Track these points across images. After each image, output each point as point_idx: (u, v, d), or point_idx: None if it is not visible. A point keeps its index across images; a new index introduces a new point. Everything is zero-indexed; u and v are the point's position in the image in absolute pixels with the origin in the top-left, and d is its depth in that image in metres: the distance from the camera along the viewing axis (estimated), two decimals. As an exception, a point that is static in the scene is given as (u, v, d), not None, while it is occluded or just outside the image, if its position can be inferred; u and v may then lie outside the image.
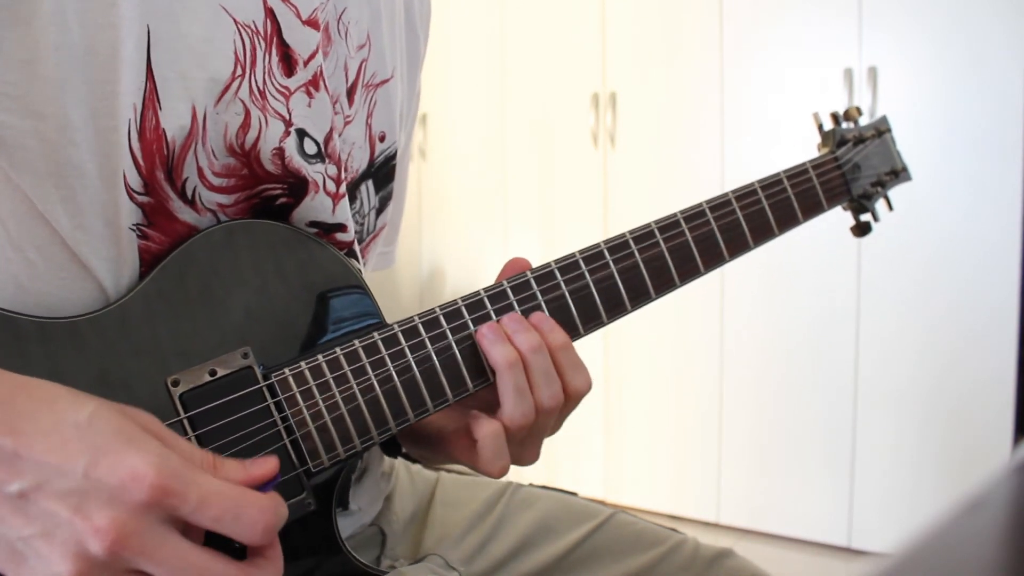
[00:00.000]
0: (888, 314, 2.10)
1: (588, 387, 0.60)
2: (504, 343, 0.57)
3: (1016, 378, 1.94)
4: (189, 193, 0.55)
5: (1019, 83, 1.90)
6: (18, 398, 0.43)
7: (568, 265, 0.62)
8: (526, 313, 0.60)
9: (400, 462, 0.79)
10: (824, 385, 2.18)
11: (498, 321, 0.59)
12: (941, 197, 2.00)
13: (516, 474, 0.68)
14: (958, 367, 2.02)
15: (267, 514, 0.45)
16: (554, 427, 0.62)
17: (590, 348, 2.39)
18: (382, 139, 0.68)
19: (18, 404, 0.43)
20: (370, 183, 0.68)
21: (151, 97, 0.52)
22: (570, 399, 0.60)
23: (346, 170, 0.65)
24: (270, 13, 0.56)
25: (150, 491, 0.41)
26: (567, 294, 0.61)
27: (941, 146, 1.99)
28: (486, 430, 0.57)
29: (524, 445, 0.60)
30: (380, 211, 0.70)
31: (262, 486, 0.47)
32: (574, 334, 0.61)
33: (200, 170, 0.55)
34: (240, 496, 0.44)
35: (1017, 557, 0.29)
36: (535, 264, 0.62)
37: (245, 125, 0.55)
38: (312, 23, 0.58)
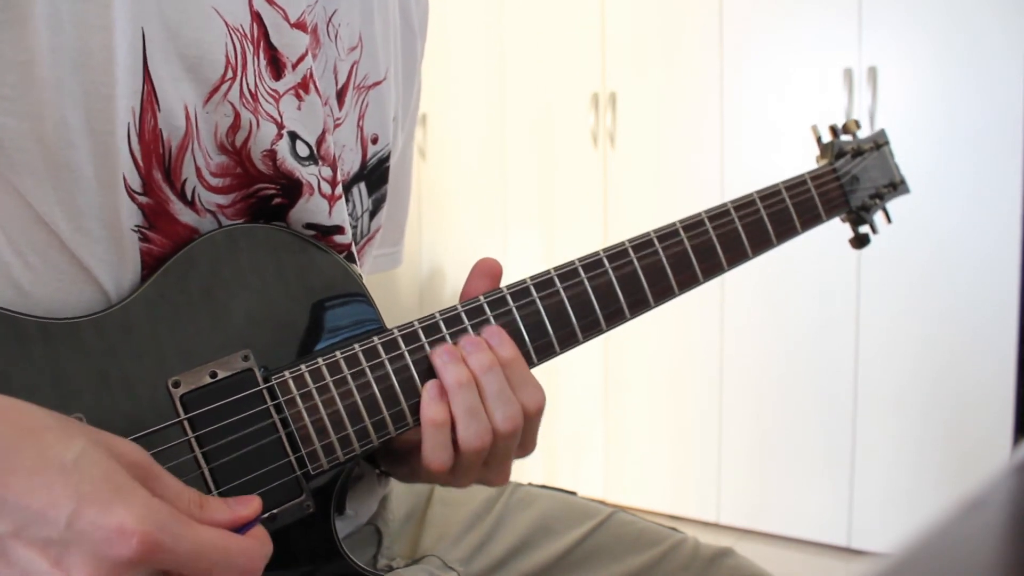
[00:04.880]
0: (888, 314, 2.09)
1: (539, 405, 0.58)
2: (458, 364, 0.56)
3: (1016, 378, 1.94)
4: (189, 194, 0.55)
5: (1019, 83, 1.90)
6: (1, 426, 0.41)
7: (567, 273, 0.62)
8: (528, 320, 0.60)
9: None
10: (824, 385, 2.18)
11: (456, 343, 0.57)
12: (941, 197, 2.00)
13: (516, 473, 0.67)
14: (958, 367, 2.02)
15: (255, 562, 0.45)
16: (526, 446, 0.60)
17: (590, 348, 2.39)
18: (375, 141, 0.68)
19: (1, 435, 0.41)
20: (363, 185, 0.68)
21: (149, 100, 0.51)
22: (527, 418, 0.58)
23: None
24: (256, 17, 0.55)
25: (138, 548, 0.40)
26: (565, 300, 0.61)
27: (941, 146, 1.99)
28: (427, 415, 0.55)
29: (489, 467, 0.59)
30: (374, 214, 0.70)
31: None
32: (572, 340, 0.61)
33: (198, 170, 0.55)
34: (227, 547, 0.44)
35: (1017, 557, 0.29)
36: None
37: (234, 126, 0.55)
38: (300, 25, 0.58)
